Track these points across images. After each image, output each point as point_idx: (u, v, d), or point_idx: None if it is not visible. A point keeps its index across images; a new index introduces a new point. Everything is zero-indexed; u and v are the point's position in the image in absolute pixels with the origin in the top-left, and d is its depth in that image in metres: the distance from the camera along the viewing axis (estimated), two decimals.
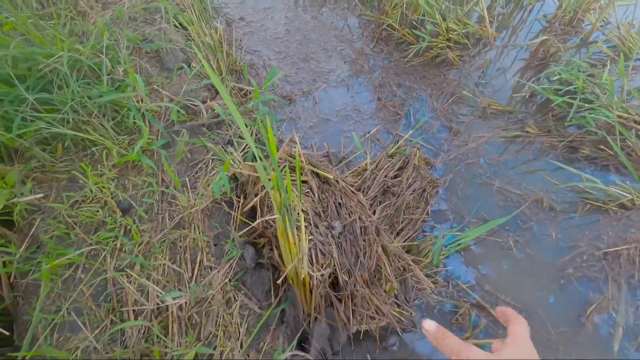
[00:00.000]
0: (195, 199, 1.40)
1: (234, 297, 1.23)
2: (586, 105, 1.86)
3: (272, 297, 1.24)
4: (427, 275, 1.49)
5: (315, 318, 1.15)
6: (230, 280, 1.25)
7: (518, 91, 2.13)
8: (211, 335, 1.17)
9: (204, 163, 1.56)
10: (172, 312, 1.19)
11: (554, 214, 1.67)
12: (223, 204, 1.38)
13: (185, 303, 1.22)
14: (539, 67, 2.25)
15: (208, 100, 1.73)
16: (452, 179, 1.78)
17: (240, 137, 1.69)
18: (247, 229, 1.30)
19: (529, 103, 2.08)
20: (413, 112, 2.03)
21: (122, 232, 1.35)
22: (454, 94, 2.11)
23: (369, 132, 1.95)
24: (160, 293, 1.22)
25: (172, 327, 1.18)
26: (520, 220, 1.66)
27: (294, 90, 2.14)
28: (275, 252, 1.23)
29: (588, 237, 1.61)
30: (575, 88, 1.91)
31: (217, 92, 1.83)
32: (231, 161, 1.46)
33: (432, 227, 1.65)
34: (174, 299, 1.19)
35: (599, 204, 1.68)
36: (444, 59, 2.28)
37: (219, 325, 1.18)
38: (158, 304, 1.21)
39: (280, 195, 0.84)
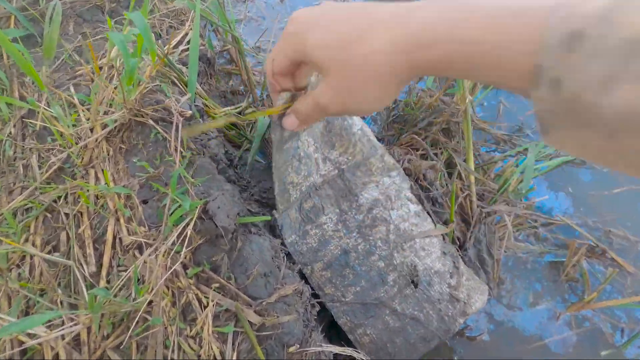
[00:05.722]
0: (95, 120, 0.70)
1: (199, 298, 0.57)
2: None
3: (294, 277, 0.61)
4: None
5: None
6: (185, 268, 0.59)
7: None
8: None
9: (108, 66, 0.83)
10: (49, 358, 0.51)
11: None
12: (150, 121, 0.69)
13: (88, 331, 0.54)
14: None
15: None
16: None
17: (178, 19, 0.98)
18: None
19: None
20: None
21: None
22: None
23: None
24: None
25: None
26: None
27: None
28: None
29: None
30: None
31: None
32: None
33: (490, 151, 1.10)
34: (50, 327, 0.51)
35: None
36: None
37: None
38: (27, 347, 0.52)
39: None
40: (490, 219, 0.89)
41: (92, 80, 0.76)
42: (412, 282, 0.69)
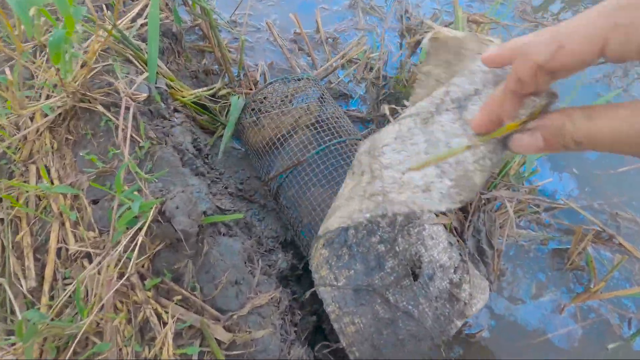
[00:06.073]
0: (18, 107, 0.59)
1: (158, 314, 0.49)
2: None
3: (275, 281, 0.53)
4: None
5: None
6: (143, 278, 0.51)
7: None
8: None
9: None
10: None
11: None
12: (100, 107, 0.59)
13: None
14: None
15: None
16: None
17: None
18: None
19: None
20: None
21: None
22: None
23: None
24: None
25: None
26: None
27: None
28: None
29: None
30: None
31: None
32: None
33: None
34: None
35: None
36: None
37: None
38: None
39: None
40: (490, 206, 0.82)
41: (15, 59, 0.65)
42: (413, 273, 0.62)
